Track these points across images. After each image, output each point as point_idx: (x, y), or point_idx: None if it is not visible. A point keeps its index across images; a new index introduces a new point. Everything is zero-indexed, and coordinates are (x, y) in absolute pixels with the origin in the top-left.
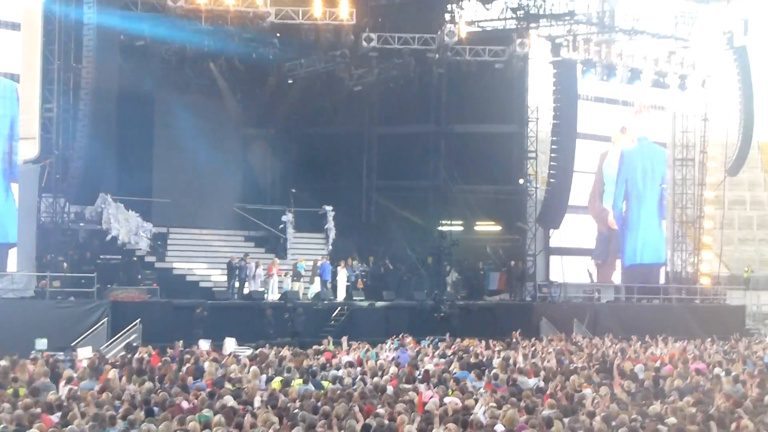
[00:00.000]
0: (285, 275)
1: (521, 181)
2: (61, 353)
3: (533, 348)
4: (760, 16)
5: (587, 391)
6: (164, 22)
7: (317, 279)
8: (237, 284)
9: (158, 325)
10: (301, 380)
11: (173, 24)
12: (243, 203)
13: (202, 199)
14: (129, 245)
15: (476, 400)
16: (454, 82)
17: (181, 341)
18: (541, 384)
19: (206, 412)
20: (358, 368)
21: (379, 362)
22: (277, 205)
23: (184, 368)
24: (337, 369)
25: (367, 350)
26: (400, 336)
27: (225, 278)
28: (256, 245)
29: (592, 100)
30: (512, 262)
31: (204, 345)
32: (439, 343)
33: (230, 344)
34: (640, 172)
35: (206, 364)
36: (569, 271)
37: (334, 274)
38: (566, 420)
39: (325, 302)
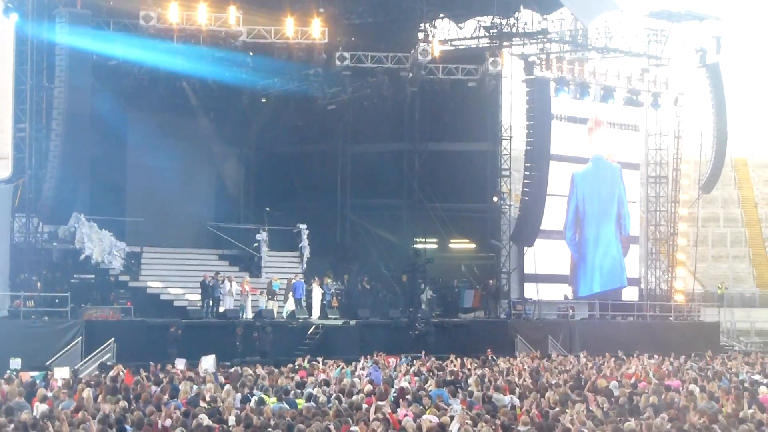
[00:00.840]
0: (260, 294)
1: (495, 199)
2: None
3: (508, 365)
4: (732, 34)
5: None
6: (136, 42)
7: (291, 297)
8: (211, 303)
9: (132, 344)
10: (275, 399)
11: (145, 44)
12: (217, 222)
13: (176, 218)
14: (103, 264)
15: (451, 418)
16: (427, 101)
17: (159, 364)
18: (516, 401)
19: (180, 430)
20: (333, 386)
21: (353, 380)
22: (251, 223)
23: (158, 388)
24: (312, 387)
25: (342, 368)
26: (374, 354)
27: (198, 297)
28: (230, 264)
29: (565, 120)
30: (490, 281)
31: (180, 364)
32: (414, 361)
33: (206, 363)
34: (594, 193)
35: (181, 384)
36: (544, 294)
37: (309, 293)
38: None
39: (300, 320)
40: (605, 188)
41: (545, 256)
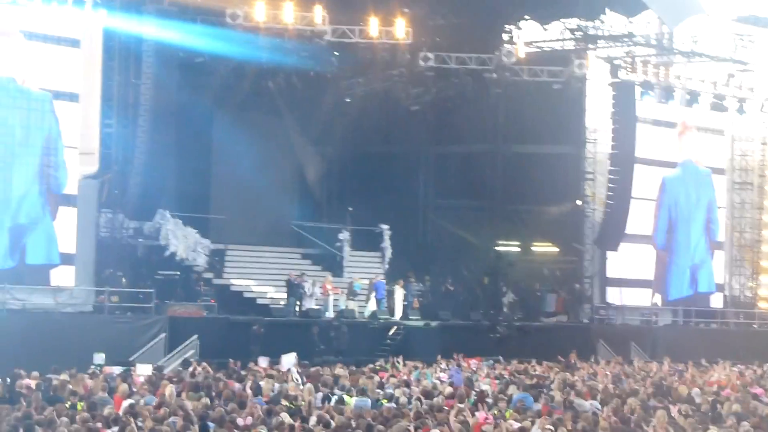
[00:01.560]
0: (341, 293)
1: (578, 202)
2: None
3: (591, 370)
4: None
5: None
6: (223, 35)
7: (372, 297)
8: (296, 301)
9: (215, 341)
10: (356, 398)
11: (232, 38)
12: (300, 221)
13: (260, 216)
14: (187, 261)
15: (532, 422)
16: (511, 103)
17: (238, 362)
18: (598, 406)
19: (261, 428)
20: (414, 387)
21: (434, 382)
22: (334, 223)
23: (240, 385)
24: (393, 388)
25: (421, 370)
26: (454, 356)
27: (281, 295)
28: (312, 263)
29: (650, 123)
30: (576, 285)
31: (263, 362)
32: (495, 364)
33: (287, 361)
34: (683, 198)
35: (263, 381)
36: (627, 299)
37: (391, 293)
38: None
39: (381, 321)
40: (695, 193)
41: (629, 261)
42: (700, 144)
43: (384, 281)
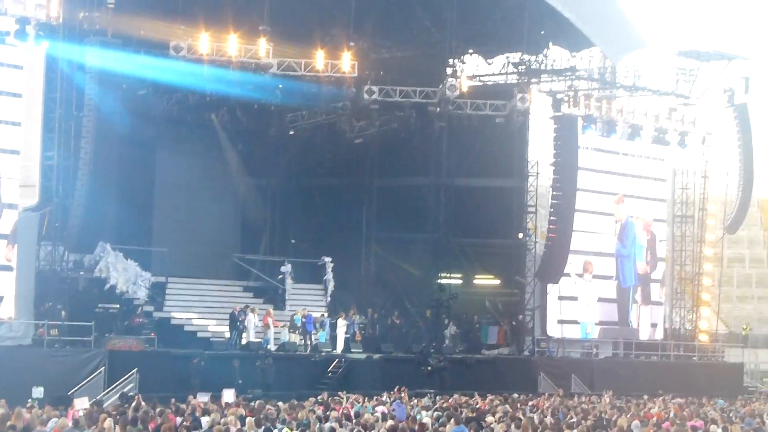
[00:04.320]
0: (280, 326)
1: (521, 235)
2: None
3: (531, 403)
4: (760, 75)
5: None
6: (167, 68)
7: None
8: (236, 335)
9: (155, 375)
10: None
11: (175, 70)
12: (242, 253)
13: (202, 248)
14: (127, 294)
15: None
16: (455, 136)
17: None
18: None
19: None
20: (354, 421)
21: (375, 416)
22: (276, 255)
23: (181, 418)
24: (334, 421)
25: (362, 404)
26: (396, 389)
27: (222, 328)
28: (254, 295)
29: (593, 152)
30: (520, 316)
31: (202, 397)
32: (438, 398)
33: (228, 395)
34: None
35: (203, 418)
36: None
37: (333, 326)
38: None
39: (323, 354)
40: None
41: (570, 293)
42: (638, 205)
43: (311, 314)
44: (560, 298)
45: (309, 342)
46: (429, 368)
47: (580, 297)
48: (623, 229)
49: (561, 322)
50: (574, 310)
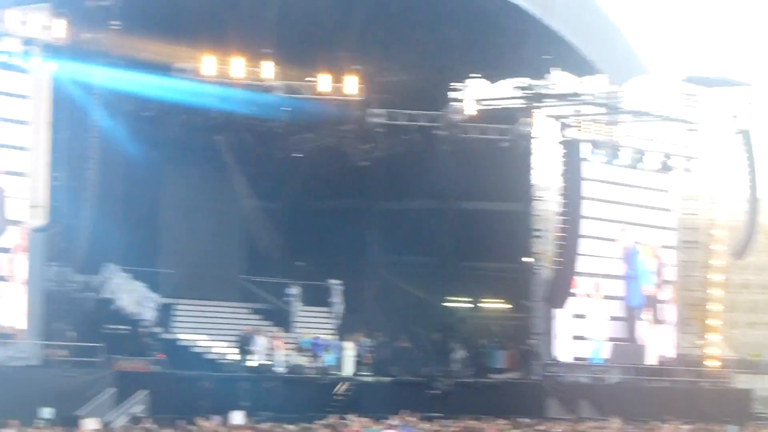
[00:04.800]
0: (286, 349)
1: (525, 259)
2: None
3: (542, 428)
4: (765, 100)
5: None
6: (172, 89)
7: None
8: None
9: (164, 396)
10: None
11: (181, 91)
12: (249, 275)
13: (209, 270)
14: (135, 316)
15: None
16: (460, 159)
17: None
18: None
19: None
20: None
21: None
22: (284, 278)
23: None
24: None
25: (371, 428)
26: (399, 413)
27: (229, 350)
28: (262, 318)
29: (598, 181)
30: (528, 340)
31: (214, 420)
32: (451, 423)
33: (237, 417)
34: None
35: None
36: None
37: (342, 349)
38: None
39: (332, 376)
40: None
41: (581, 312)
42: (643, 234)
43: (319, 337)
44: (575, 316)
45: (317, 364)
46: (437, 392)
47: (591, 315)
48: (628, 254)
49: (576, 338)
50: (586, 327)
